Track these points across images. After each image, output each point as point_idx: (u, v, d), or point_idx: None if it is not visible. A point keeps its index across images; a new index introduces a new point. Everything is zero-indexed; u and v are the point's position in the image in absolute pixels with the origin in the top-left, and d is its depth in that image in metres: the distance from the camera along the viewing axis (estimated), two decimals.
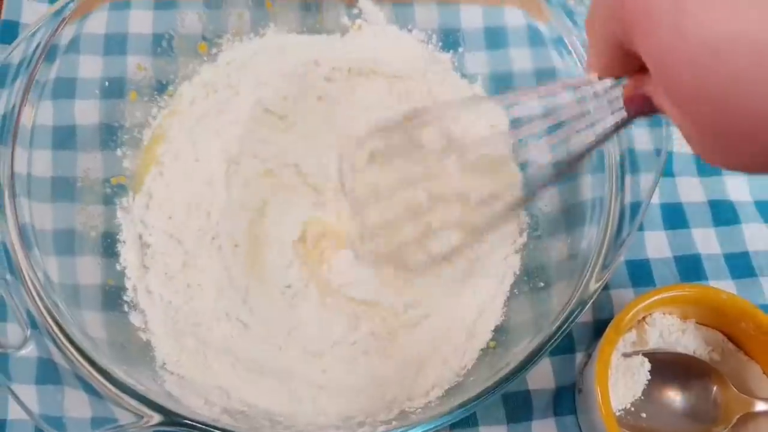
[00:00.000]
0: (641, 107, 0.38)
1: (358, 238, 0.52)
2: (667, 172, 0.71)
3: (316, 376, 0.59)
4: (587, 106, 0.40)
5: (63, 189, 0.60)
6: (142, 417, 0.46)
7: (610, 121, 0.40)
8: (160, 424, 0.47)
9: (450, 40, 0.71)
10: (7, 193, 0.52)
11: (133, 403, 0.47)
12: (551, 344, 0.50)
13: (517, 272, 0.64)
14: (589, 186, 0.61)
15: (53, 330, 0.49)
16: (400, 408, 0.56)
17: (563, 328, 0.51)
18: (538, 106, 0.52)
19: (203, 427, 0.47)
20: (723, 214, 0.70)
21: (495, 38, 0.70)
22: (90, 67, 0.63)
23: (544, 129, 0.43)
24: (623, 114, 0.39)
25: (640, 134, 0.59)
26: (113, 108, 0.65)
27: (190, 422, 0.47)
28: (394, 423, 0.51)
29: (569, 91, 0.42)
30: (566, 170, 0.44)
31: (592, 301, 0.52)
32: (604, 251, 0.54)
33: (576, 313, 0.51)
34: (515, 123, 0.62)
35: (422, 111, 0.47)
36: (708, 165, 0.64)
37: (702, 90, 0.29)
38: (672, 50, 0.29)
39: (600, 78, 0.40)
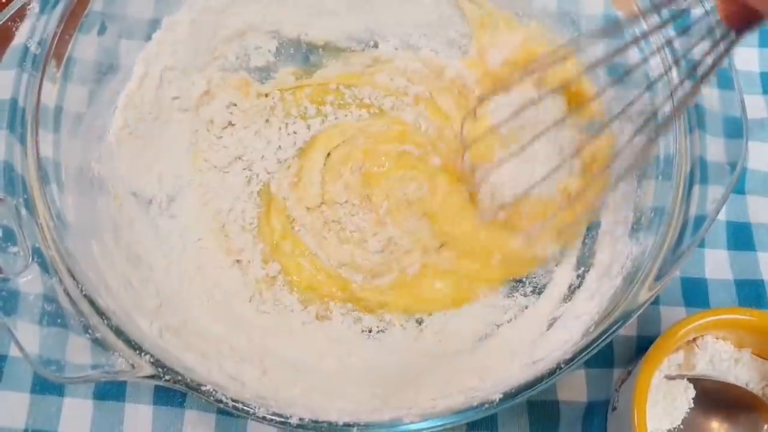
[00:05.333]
0: (741, 17, 0.37)
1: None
2: (738, 188, 0.66)
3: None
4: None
5: None
6: (134, 366, 0.45)
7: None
8: (153, 377, 0.45)
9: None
10: (30, 124, 0.51)
11: (126, 349, 0.46)
12: (585, 354, 0.46)
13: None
14: (652, 192, 0.56)
15: (57, 264, 0.48)
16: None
17: (601, 339, 0.47)
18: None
19: (193, 383, 0.45)
20: None
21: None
22: (139, 7, 0.61)
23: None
24: (729, 36, 0.39)
25: (714, 144, 0.54)
26: None
27: (181, 377, 0.45)
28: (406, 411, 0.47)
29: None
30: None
31: (638, 313, 0.48)
32: (659, 261, 0.50)
33: (618, 324, 0.47)
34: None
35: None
36: None
37: None
38: None
39: None
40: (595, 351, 0.46)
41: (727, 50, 0.40)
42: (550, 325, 0.56)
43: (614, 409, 0.55)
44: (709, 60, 0.42)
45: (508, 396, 0.45)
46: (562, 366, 0.45)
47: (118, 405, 0.56)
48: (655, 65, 0.56)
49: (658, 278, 0.49)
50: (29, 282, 0.47)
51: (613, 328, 0.47)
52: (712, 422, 0.54)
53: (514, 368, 0.52)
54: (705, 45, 0.43)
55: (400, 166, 0.65)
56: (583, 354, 0.46)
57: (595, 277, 0.57)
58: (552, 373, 0.45)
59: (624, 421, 0.51)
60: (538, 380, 0.45)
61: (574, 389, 0.58)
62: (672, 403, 0.53)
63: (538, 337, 0.55)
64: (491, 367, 0.53)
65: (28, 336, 0.46)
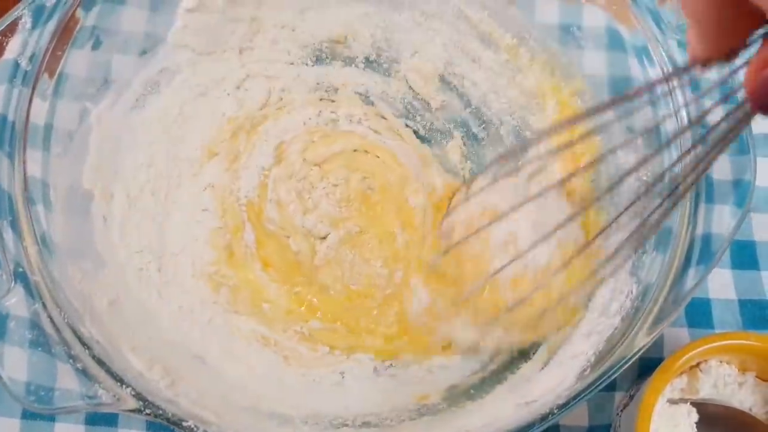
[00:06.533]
0: None
1: None
2: (740, 205, 0.65)
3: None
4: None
5: None
6: (117, 398, 0.44)
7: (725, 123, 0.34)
8: (135, 410, 0.44)
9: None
10: (18, 143, 0.50)
11: (108, 380, 0.45)
12: (579, 400, 0.45)
13: None
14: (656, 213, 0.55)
15: (41, 289, 0.47)
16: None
17: (596, 385, 0.46)
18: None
19: (174, 418, 0.44)
20: None
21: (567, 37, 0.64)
22: (134, 21, 0.60)
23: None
24: (745, 109, 0.33)
25: (719, 161, 0.53)
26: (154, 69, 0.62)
27: (162, 411, 0.44)
28: None
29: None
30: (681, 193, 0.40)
31: (635, 358, 0.47)
32: (662, 299, 0.49)
33: (613, 369, 0.46)
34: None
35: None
36: None
37: None
38: None
39: (706, 65, 0.33)
40: (589, 396, 0.45)
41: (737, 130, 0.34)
42: (546, 364, 0.54)
43: None
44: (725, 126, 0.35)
45: None
46: (555, 411, 0.45)
47: (110, 431, 0.56)
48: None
49: (658, 321, 0.48)
50: (13, 305, 0.46)
51: (608, 374, 0.46)
52: None
53: (506, 407, 0.50)
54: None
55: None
56: (577, 399, 0.45)
57: (594, 314, 0.55)
58: (544, 418, 0.44)
59: None
60: (530, 425, 0.44)
61: (575, 414, 0.57)
62: (675, 427, 0.52)
63: (532, 375, 0.54)
64: (482, 405, 0.53)
65: (14, 361, 0.45)
